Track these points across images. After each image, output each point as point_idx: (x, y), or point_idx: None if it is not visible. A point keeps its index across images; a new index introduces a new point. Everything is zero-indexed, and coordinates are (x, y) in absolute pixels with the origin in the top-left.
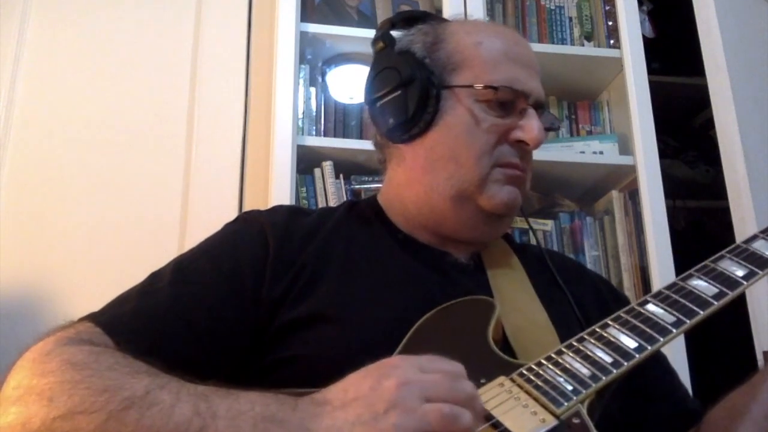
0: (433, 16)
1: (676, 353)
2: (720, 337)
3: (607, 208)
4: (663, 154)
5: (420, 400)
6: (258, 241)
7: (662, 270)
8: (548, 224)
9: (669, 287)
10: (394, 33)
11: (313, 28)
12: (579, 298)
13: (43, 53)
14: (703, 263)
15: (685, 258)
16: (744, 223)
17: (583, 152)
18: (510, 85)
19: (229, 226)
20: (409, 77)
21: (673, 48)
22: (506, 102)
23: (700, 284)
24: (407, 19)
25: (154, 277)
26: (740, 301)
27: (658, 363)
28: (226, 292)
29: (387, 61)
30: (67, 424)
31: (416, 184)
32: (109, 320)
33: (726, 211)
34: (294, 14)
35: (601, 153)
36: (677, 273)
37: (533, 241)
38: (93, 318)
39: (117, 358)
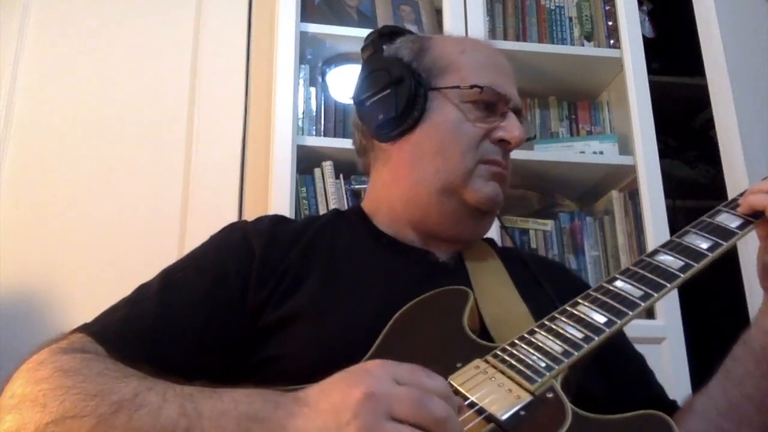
0: (414, 34)
1: (675, 354)
2: (720, 334)
3: (607, 208)
4: (663, 154)
5: (383, 416)
6: (243, 248)
7: None
8: (548, 224)
9: (636, 263)
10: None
11: (313, 28)
12: (560, 295)
13: (43, 53)
14: (668, 239)
15: None
16: None
17: (583, 152)
18: (493, 87)
19: (214, 236)
20: (399, 77)
21: (673, 48)
22: (489, 104)
23: (666, 259)
24: (392, 33)
25: (143, 287)
26: (740, 297)
27: (636, 358)
28: (213, 299)
29: (377, 64)
30: (59, 429)
31: (403, 180)
32: (99, 329)
33: None
34: (294, 14)
35: (601, 153)
36: None
37: (533, 243)
38: (84, 328)
39: (107, 364)
